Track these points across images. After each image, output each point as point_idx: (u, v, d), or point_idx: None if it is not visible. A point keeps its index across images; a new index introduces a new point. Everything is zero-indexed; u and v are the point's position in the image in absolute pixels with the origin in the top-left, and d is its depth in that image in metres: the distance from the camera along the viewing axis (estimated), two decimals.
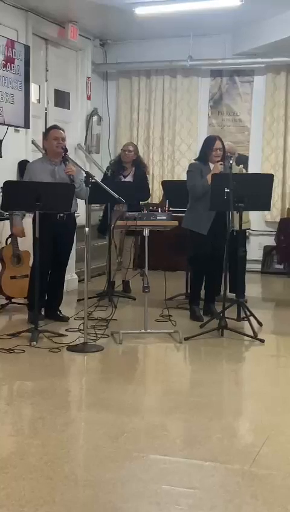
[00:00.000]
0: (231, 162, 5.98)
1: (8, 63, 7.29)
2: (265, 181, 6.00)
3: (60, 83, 9.07)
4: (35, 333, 5.30)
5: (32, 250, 5.66)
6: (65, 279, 6.31)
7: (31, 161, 6.50)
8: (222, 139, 6.35)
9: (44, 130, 7.97)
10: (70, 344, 5.22)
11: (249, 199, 5.65)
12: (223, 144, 6.24)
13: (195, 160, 6.44)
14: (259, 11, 7.94)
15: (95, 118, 9.59)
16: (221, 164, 5.99)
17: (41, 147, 7.75)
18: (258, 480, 3.01)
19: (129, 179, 7.45)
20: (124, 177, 7.44)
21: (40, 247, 5.42)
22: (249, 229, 7.51)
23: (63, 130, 6.01)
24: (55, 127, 6.16)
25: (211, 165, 6.09)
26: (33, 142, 8.01)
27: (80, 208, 6.41)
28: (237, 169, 6.69)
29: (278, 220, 9.26)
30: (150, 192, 8.47)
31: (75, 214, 6.07)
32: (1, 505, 2.73)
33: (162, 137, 9.83)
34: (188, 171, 6.32)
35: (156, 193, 9.63)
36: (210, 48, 9.19)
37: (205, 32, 8.91)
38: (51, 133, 5.94)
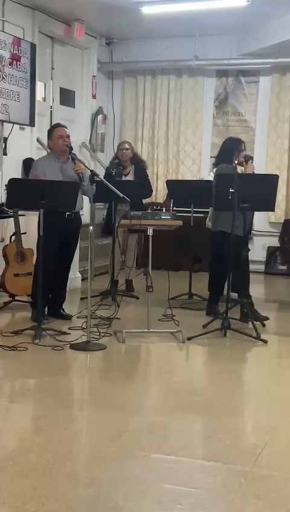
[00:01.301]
0: (235, 162, 6.00)
1: (14, 61, 7.30)
2: (270, 182, 5.99)
3: (66, 82, 9.08)
4: (38, 331, 5.30)
5: (36, 248, 5.66)
6: (68, 277, 6.31)
7: (36, 159, 6.47)
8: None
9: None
10: (73, 342, 5.22)
11: (253, 200, 5.65)
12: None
13: (217, 162, 6.37)
14: (265, 11, 7.94)
15: (100, 117, 9.60)
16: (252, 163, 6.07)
17: (46, 145, 7.75)
18: (260, 481, 3.01)
19: (130, 177, 7.45)
20: (124, 175, 7.44)
21: (46, 245, 5.41)
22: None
23: (65, 127, 6.01)
24: (58, 125, 6.16)
25: (238, 167, 6.12)
26: (38, 140, 8.01)
27: (84, 207, 6.41)
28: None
29: (282, 221, 9.26)
30: (153, 191, 8.47)
31: (80, 212, 6.08)
32: (3, 502, 2.73)
33: (167, 137, 9.84)
34: (220, 175, 6.24)
35: (161, 193, 9.65)
36: (216, 48, 9.20)
37: (211, 32, 8.91)
38: (56, 131, 5.94)
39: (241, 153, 6.20)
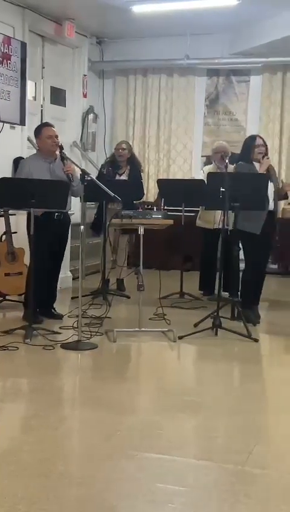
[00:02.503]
0: (226, 161, 6.00)
1: (5, 60, 7.28)
2: (261, 181, 6.00)
3: (56, 81, 9.06)
4: (29, 330, 5.29)
5: (29, 248, 5.65)
6: (59, 276, 6.30)
7: (24, 158, 6.40)
8: (261, 136, 6.43)
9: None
10: (64, 342, 5.21)
11: (244, 199, 5.66)
12: (263, 140, 6.29)
13: (238, 160, 6.30)
14: (256, 11, 7.95)
15: (91, 116, 9.59)
16: (268, 158, 6.01)
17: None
18: (251, 479, 3.01)
19: (124, 177, 7.44)
20: (119, 175, 7.43)
21: (38, 245, 5.39)
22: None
23: (54, 127, 5.98)
24: (47, 124, 6.12)
25: (256, 164, 6.10)
26: (29, 139, 7.98)
27: (75, 206, 6.40)
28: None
29: None
30: (144, 191, 8.47)
31: (69, 212, 6.06)
32: None
33: (158, 136, 9.84)
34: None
35: (151, 192, 9.64)
36: (207, 47, 9.20)
37: (202, 32, 8.91)
38: (45, 131, 5.87)
39: (258, 148, 6.12)
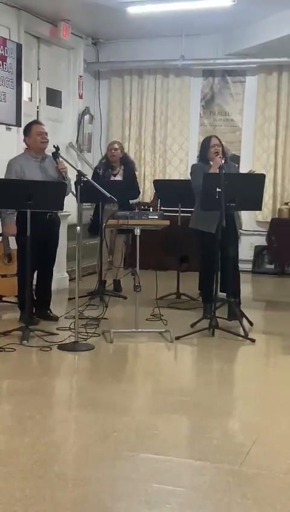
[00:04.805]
0: (222, 161, 6.00)
1: (0, 61, 7.28)
2: (257, 181, 6.00)
3: (52, 82, 9.06)
4: (26, 332, 5.29)
5: (21, 249, 5.63)
6: (56, 277, 6.29)
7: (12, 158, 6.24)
8: (218, 137, 6.44)
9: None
10: (61, 343, 5.22)
11: (240, 199, 5.66)
12: (220, 140, 6.33)
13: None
14: (251, 11, 7.96)
15: (86, 117, 9.59)
16: (220, 157, 6.03)
17: None
18: (247, 480, 3.02)
19: (119, 177, 7.44)
20: (114, 176, 7.43)
21: (25, 246, 5.36)
22: (240, 228, 7.52)
23: (43, 124, 5.97)
24: (36, 121, 6.10)
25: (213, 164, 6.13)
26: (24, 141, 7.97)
27: (72, 207, 6.38)
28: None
29: (269, 220, 9.29)
30: (140, 190, 8.47)
31: (66, 213, 6.05)
32: None
33: (154, 137, 9.84)
34: (191, 173, 6.36)
35: (148, 192, 9.65)
36: (202, 48, 9.21)
37: (197, 32, 8.92)
38: (34, 128, 5.84)
39: (213, 148, 6.19)
